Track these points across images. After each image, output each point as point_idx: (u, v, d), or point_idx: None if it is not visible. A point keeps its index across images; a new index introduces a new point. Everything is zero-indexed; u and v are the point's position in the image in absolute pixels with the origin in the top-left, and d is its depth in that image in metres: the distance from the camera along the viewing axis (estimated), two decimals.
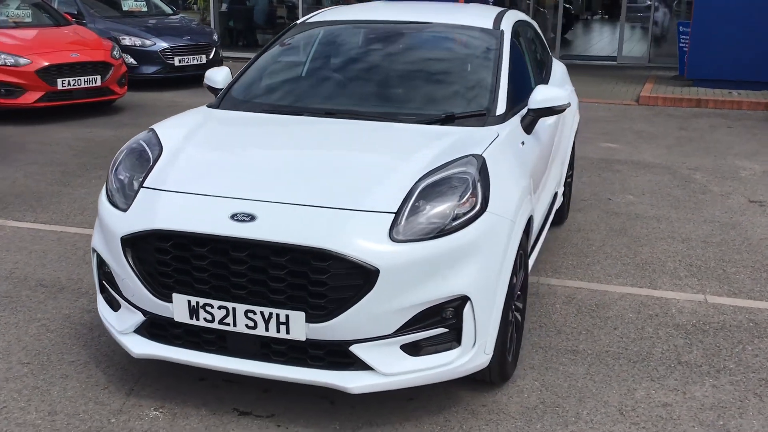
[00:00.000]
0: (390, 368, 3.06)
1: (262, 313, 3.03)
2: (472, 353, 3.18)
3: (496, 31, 4.42)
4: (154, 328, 3.28)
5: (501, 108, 3.92)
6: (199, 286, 3.09)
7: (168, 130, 3.78)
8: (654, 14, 17.09)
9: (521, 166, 3.70)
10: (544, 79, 5.27)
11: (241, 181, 3.26)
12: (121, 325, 3.36)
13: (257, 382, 3.48)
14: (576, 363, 3.90)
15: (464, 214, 3.12)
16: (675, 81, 13.52)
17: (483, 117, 3.84)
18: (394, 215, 3.05)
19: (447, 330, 3.11)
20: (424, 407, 3.43)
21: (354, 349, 3.03)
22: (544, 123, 4.53)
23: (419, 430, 3.26)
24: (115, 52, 10.22)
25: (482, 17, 4.58)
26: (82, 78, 9.63)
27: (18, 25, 10.18)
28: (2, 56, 9.25)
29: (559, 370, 3.82)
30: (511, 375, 3.66)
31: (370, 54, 4.47)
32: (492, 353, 3.30)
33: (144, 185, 3.36)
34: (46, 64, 9.36)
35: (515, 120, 3.96)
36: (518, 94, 4.18)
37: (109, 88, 10.07)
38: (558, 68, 5.84)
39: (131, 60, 11.91)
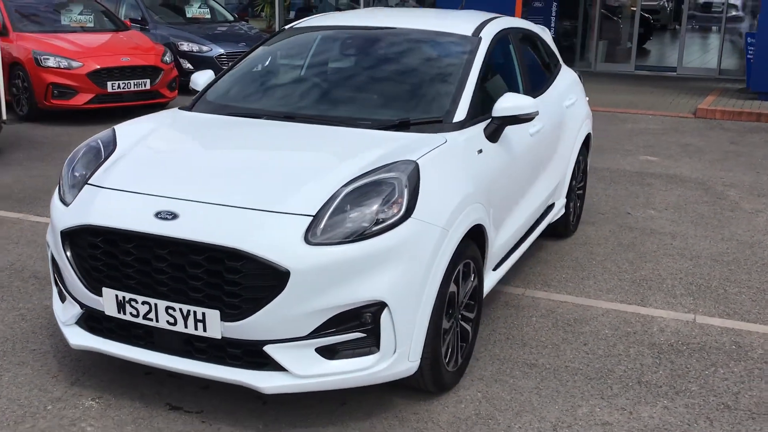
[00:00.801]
0: (304, 370, 3.07)
1: (180, 310, 3.09)
2: (392, 360, 3.15)
3: (473, 38, 4.37)
4: (91, 320, 3.39)
5: (460, 115, 3.88)
6: (126, 281, 3.17)
7: (127, 128, 3.90)
8: (726, 25, 16.48)
9: (470, 173, 3.64)
10: (542, 87, 5.18)
11: (172, 181, 3.34)
12: (65, 316, 3.48)
13: (198, 379, 3.54)
14: (528, 377, 3.82)
15: (387, 219, 3.11)
16: (740, 94, 13.01)
17: (438, 123, 3.81)
18: (312, 218, 3.06)
19: (365, 335, 3.10)
20: (353, 411, 3.42)
21: (268, 349, 3.05)
22: (524, 131, 4.45)
23: None
24: (166, 57, 10.56)
25: (465, 24, 4.54)
26: (131, 81, 9.99)
27: (77, 30, 10.63)
28: (57, 59, 9.68)
29: (507, 383, 3.75)
30: (451, 385, 3.61)
31: (341, 59, 4.50)
32: (418, 361, 3.26)
33: (88, 182, 3.47)
34: (97, 67, 9.75)
35: (476, 128, 3.91)
36: (492, 102, 4.10)
37: (158, 92, 10.40)
38: (566, 77, 5.72)
39: (188, 65, 12.27)
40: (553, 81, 5.44)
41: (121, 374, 3.67)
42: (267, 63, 4.61)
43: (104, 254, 3.20)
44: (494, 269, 4.20)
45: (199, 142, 3.85)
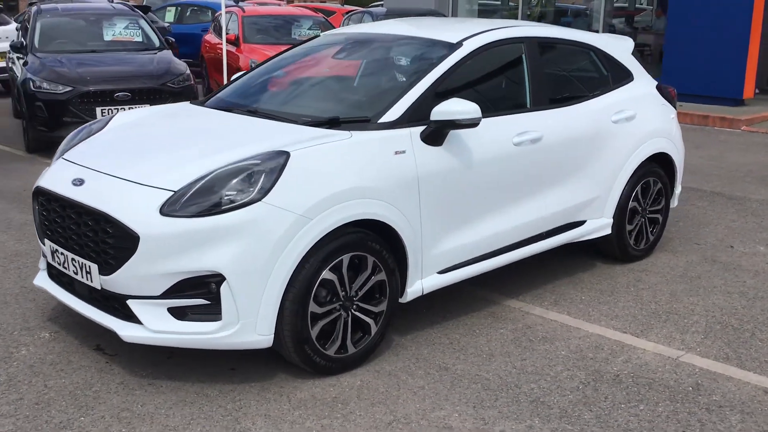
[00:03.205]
0: (156, 326, 3.50)
1: (78, 261, 3.69)
2: (236, 329, 3.46)
3: (453, 46, 4.44)
4: (51, 268, 4.12)
5: (391, 116, 4.01)
6: (54, 234, 3.85)
7: (125, 115, 4.61)
8: None
9: (371, 170, 3.78)
10: (570, 99, 4.99)
11: (100, 156, 3.96)
12: (42, 263, 4.25)
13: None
14: (426, 377, 3.86)
15: (238, 200, 3.43)
16: None
17: (364, 122, 4.00)
18: (172, 193, 3.48)
19: (209, 302, 3.45)
20: (232, 376, 3.77)
21: (130, 303, 3.53)
22: (504, 139, 4.41)
23: (185, 393, 3.62)
24: None
25: (459, 32, 4.60)
26: None
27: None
28: None
29: (399, 378, 3.83)
30: (336, 370, 3.78)
31: (321, 62, 4.79)
32: (270, 336, 3.53)
33: (62, 155, 4.21)
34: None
35: (406, 130, 4.01)
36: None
37: None
38: (630, 91, 5.39)
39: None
40: (599, 94, 5.20)
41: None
42: (275, 64, 5.05)
43: (45, 211, 3.91)
44: (440, 272, 4.24)
45: (155, 126, 4.41)
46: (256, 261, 3.42)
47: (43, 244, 3.98)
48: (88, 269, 3.63)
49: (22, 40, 10.11)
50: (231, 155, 3.62)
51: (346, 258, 3.71)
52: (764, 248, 6.00)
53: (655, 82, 5.76)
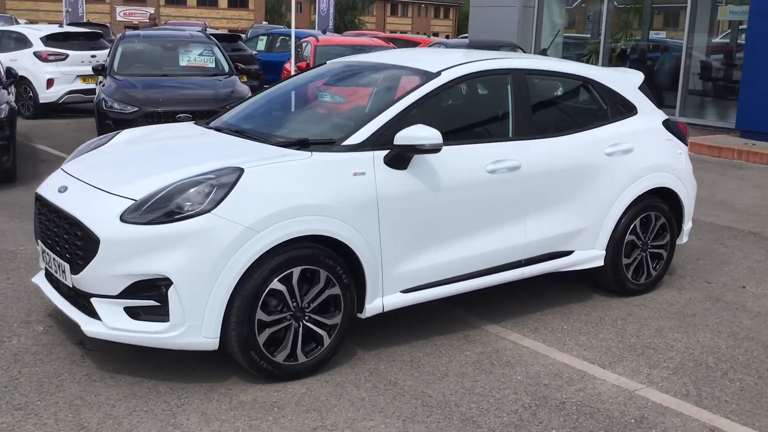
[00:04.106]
0: (113, 323, 3.82)
1: (56, 261, 4.07)
2: (182, 330, 3.74)
3: (431, 74, 4.62)
4: None
5: (356, 139, 4.22)
6: (44, 237, 4.25)
7: (131, 131, 5.00)
8: None
9: (325, 189, 3.99)
10: (558, 130, 5.07)
11: (88, 167, 4.34)
12: (42, 263, 4.67)
13: None
14: (370, 389, 4.01)
15: (189, 210, 3.72)
16: None
17: (330, 144, 4.23)
18: (134, 201, 3.81)
19: (159, 304, 3.75)
20: (191, 374, 4.05)
21: (93, 300, 3.87)
22: (477, 166, 4.55)
23: (139, 388, 3.91)
24: None
25: (438, 62, 4.78)
26: None
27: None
28: None
29: (344, 389, 4.00)
30: (273, 373, 3.98)
31: (312, 88, 5.05)
32: (216, 339, 3.79)
33: (63, 166, 4.63)
34: None
35: (369, 153, 4.21)
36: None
37: None
38: (630, 125, 5.40)
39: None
40: (594, 127, 5.24)
41: None
42: (277, 89, 5.34)
43: (39, 214, 4.32)
44: (405, 291, 4.40)
45: (147, 143, 4.76)
46: (201, 268, 3.69)
47: (38, 245, 4.38)
48: (63, 268, 4.00)
49: (104, 63, 10.89)
50: (193, 170, 3.92)
51: (296, 271, 3.93)
52: None
53: (664, 117, 5.74)
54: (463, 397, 4.00)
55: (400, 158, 4.25)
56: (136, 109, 9.34)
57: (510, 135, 4.85)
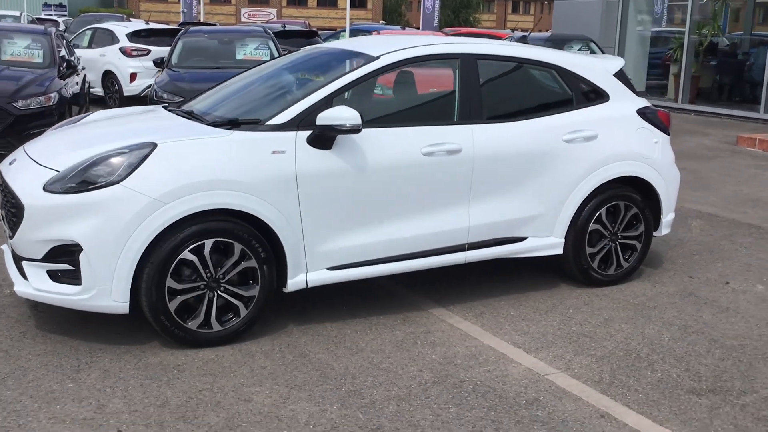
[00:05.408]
0: (38, 285, 4.14)
1: (6, 226, 4.44)
2: (93, 293, 4.02)
3: (371, 58, 4.72)
4: None
5: (280, 119, 4.38)
6: (4, 205, 4.63)
7: (100, 112, 5.34)
8: None
9: (241, 166, 4.17)
10: (511, 115, 5.05)
11: (44, 143, 4.69)
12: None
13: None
14: (277, 359, 4.17)
15: (100, 181, 4.00)
16: None
17: (255, 123, 4.41)
18: (56, 172, 4.12)
19: (73, 268, 4.04)
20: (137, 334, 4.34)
21: (23, 263, 4.21)
22: (412, 148, 4.62)
23: (62, 346, 4.21)
24: None
25: (383, 47, 4.87)
26: None
27: None
28: None
29: (253, 358, 4.18)
30: (185, 339, 4.21)
31: (272, 72, 5.22)
32: (126, 303, 4.05)
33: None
34: None
35: (292, 133, 4.36)
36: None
37: None
38: (597, 112, 5.30)
39: None
40: (554, 113, 5.18)
41: None
42: (249, 73, 5.54)
43: (0, 185, 4.71)
44: (331, 269, 4.53)
45: (106, 123, 5.03)
46: (109, 236, 3.95)
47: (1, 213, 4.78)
48: (8, 234, 4.36)
49: (163, 57, 11.49)
50: (116, 144, 4.19)
51: (209, 242, 4.13)
52: (762, 288, 5.57)
53: (641, 105, 5.59)
54: (365, 371, 4.09)
55: (322, 138, 4.38)
56: (180, 99, 9.80)
57: (455, 119, 4.87)
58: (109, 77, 15.24)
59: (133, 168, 4.01)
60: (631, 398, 3.92)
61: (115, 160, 4.06)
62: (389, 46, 4.92)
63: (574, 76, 5.35)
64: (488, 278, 5.52)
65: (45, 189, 4.07)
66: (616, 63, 5.67)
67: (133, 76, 14.90)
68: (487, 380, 4.04)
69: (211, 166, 4.15)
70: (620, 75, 5.61)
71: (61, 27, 23.75)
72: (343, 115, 4.28)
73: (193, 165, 4.12)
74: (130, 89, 14.85)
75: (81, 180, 4.04)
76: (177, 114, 4.94)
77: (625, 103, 5.51)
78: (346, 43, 5.39)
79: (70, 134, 4.82)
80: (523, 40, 14.92)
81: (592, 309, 5.08)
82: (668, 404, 3.87)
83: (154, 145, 4.10)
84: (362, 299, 5.04)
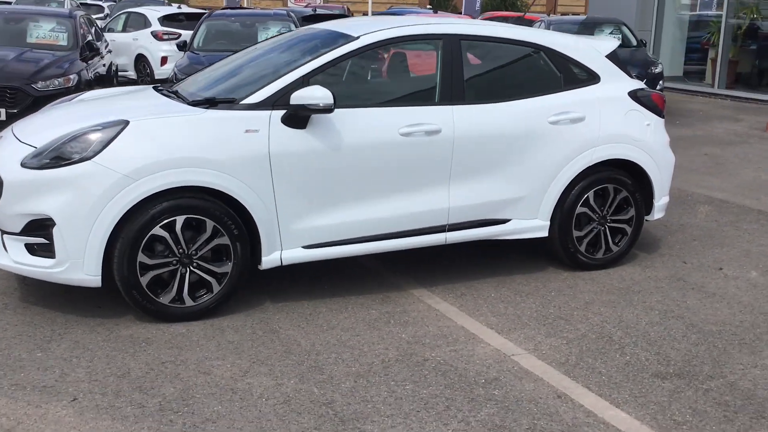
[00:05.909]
0: (16, 257, 4.27)
1: None
2: (66, 267, 4.13)
3: (350, 38, 4.73)
4: None
5: (254, 99, 4.43)
6: None
7: (92, 92, 5.46)
8: None
9: (212, 144, 4.24)
10: (495, 96, 5.01)
11: (31, 122, 4.81)
12: None
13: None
14: (247, 335, 4.24)
15: (73, 157, 4.11)
16: None
17: (230, 103, 4.46)
18: (34, 149, 4.23)
19: (48, 242, 4.16)
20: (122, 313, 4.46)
21: (4, 237, 4.35)
22: (389, 128, 4.63)
23: (41, 318, 4.34)
24: None
25: (365, 28, 4.87)
26: None
27: None
28: None
29: (223, 333, 4.26)
30: (157, 313, 4.30)
31: (260, 53, 5.26)
32: (98, 277, 4.16)
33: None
34: None
35: (266, 112, 4.40)
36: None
37: None
38: (583, 94, 5.22)
39: None
40: (540, 94, 5.12)
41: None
42: (243, 53, 5.59)
43: None
44: (306, 247, 4.58)
45: (92, 102, 5.14)
46: (80, 210, 4.06)
47: None
48: None
49: (186, 40, 11.63)
50: (92, 122, 4.29)
51: (180, 219, 4.21)
52: (756, 274, 5.46)
53: (634, 87, 5.50)
54: (331, 348, 4.14)
55: (295, 117, 4.42)
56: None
57: (436, 100, 4.86)
58: (141, 61, 15.48)
59: (104, 145, 4.11)
60: (593, 380, 3.89)
61: (88, 137, 4.15)
62: (372, 26, 4.92)
63: (562, 57, 5.29)
64: (476, 261, 5.52)
65: (22, 165, 4.19)
66: (609, 44, 5.58)
67: (163, 60, 15.10)
68: (451, 359, 4.05)
69: (182, 143, 4.22)
70: (612, 56, 5.53)
71: (106, 11, 24.22)
72: (315, 94, 4.31)
73: (164, 142, 4.20)
74: (161, 72, 15.04)
75: (55, 156, 4.14)
76: (162, 94, 5.02)
77: (616, 85, 5.43)
78: (333, 24, 5.40)
79: (56, 113, 4.94)
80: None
81: (574, 292, 5.05)
82: (629, 387, 3.84)
83: (126, 123, 4.19)
84: (345, 279, 5.08)
